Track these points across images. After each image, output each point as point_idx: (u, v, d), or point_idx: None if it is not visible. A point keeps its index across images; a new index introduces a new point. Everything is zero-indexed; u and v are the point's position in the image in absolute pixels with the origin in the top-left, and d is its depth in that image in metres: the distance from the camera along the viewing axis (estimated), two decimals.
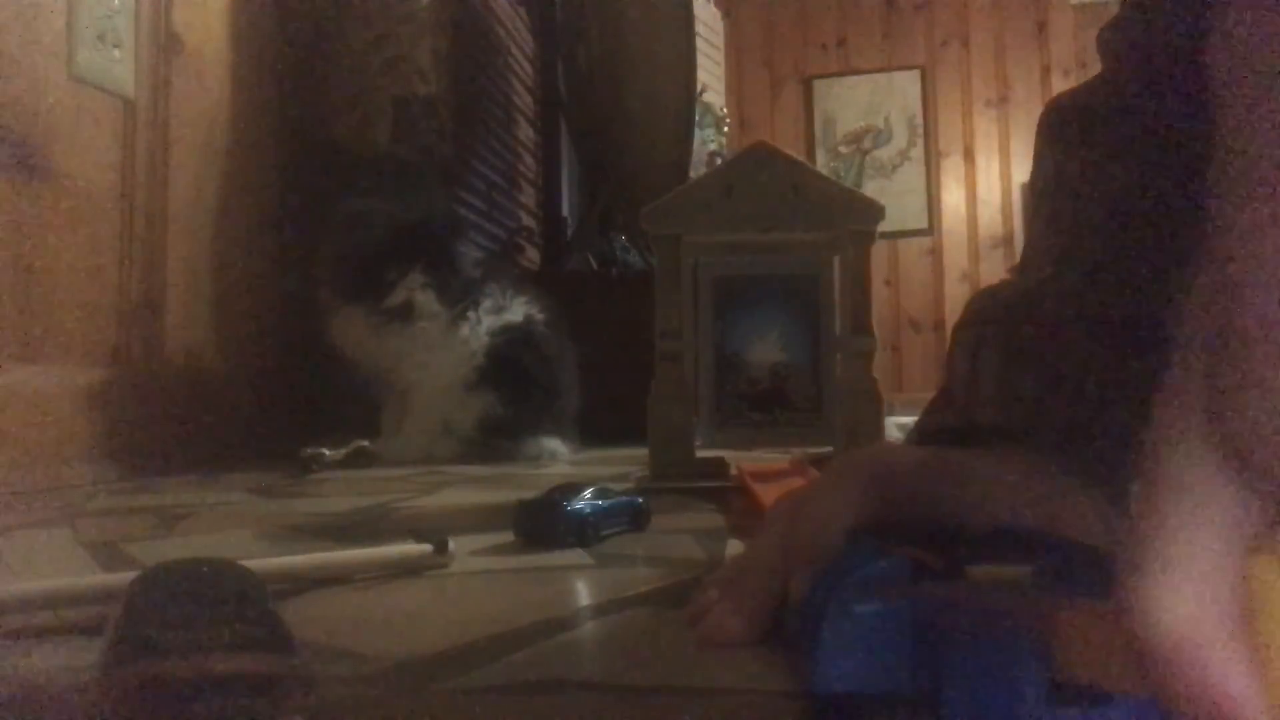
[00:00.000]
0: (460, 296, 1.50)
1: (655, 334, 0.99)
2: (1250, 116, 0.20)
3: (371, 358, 1.48)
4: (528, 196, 2.50)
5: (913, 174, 4.34)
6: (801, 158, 1.09)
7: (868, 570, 0.30)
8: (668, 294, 0.99)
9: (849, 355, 0.98)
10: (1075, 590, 0.28)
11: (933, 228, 4.33)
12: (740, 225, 0.99)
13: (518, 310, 1.55)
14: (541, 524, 0.66)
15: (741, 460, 1.00)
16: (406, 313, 1.46)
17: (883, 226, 1.00)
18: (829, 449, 0.99)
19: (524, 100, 2.52)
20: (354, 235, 1.46)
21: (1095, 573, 0.31)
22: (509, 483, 1.13)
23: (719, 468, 0.97)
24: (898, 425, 1.72)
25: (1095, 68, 0.47)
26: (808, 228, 1.00)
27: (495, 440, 1.47)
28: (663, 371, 0.98)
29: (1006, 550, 0.34)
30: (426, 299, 1.47)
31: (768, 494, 0.76)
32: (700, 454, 0.98)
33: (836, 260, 1.00)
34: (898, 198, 4.20)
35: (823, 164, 4.29)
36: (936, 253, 4.33)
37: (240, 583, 0.37)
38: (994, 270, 4.28)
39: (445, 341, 1.48)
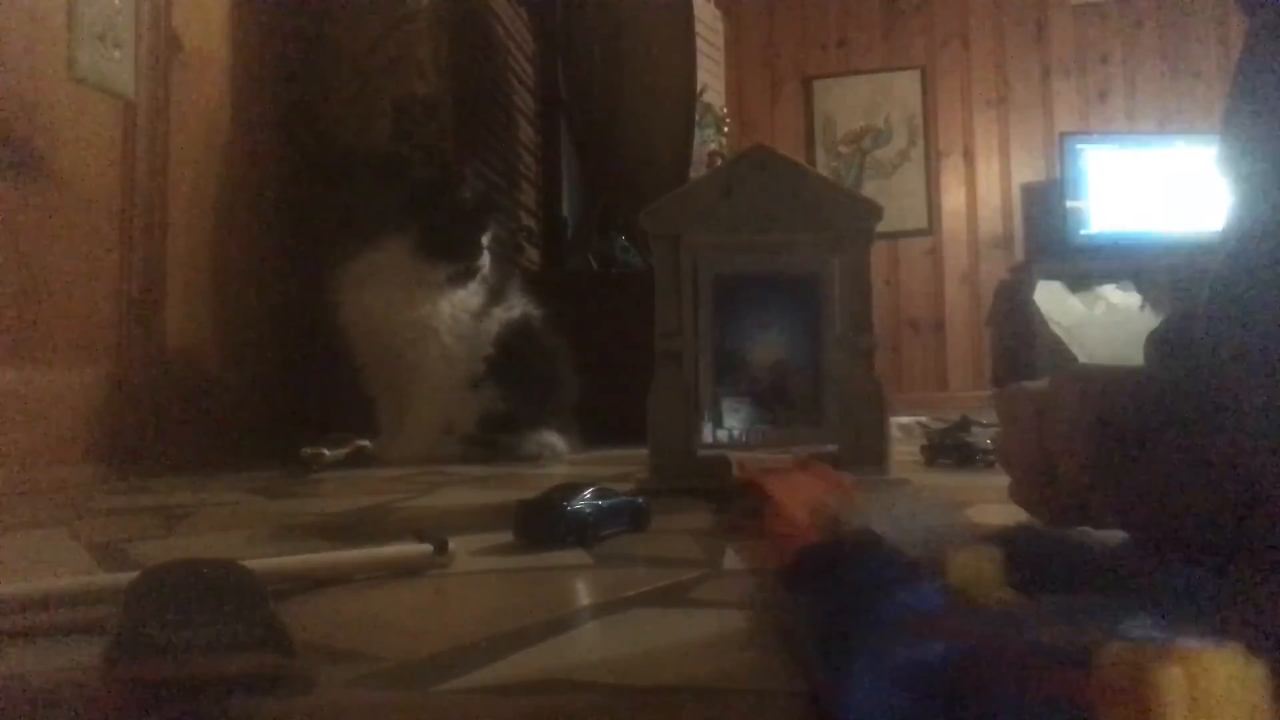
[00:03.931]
0: (498, 282, 1.54)
1: (655, 334, 0.99)
2: None
3: (399, 332, 1.47)
4: (528, 196, 2.50)
5: (913, 174, 4.34)
6: (800, 159, 1.09)
7: (903, 601, 0.27)
8: (667, 294, 1.00)
9: (850, 354, 0.98)
10: (1137, 620, 0.25)
11: (933, 228, 4.33)
12: (740, 226, 1.00)
13: (518, 308, 1.55)
14: (541, 524, 0.66)
15: (744, 460, 0.99)
16: (468, 278, 1.49)
17: (882, 226, 1.01)
18: (831, 447, 0.98)
19: (524, 100, 2.52)
20: (442, 198, 1.48)
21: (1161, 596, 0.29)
22: (509, 483, 1.13)
23: (721, 468, 0.96)
24: (898, 425, 1.73)
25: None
26: (807, 228, 1.00)
27: (496, 436, 1.47)
28: (663, 371, 0.98)
29: (1060, 576, 0.32)
30: (487, 267, 1.51)
31: (779, 491, 0.75)
32: (701, 454, 0.98)
33: (837, 260, 1.00)
34: (898, 198, 4.20)
35: (823, 164, 4.29)
36: (936, 253, 4.33)
37: (240, 583, 0.37)
38: (994, 270, 4.28)
39: (472, 327, 1.49)
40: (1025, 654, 0.23)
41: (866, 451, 0.96)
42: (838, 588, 0.29)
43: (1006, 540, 0.37)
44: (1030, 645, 0.24)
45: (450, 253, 1.47)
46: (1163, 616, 0.25)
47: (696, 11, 2.22)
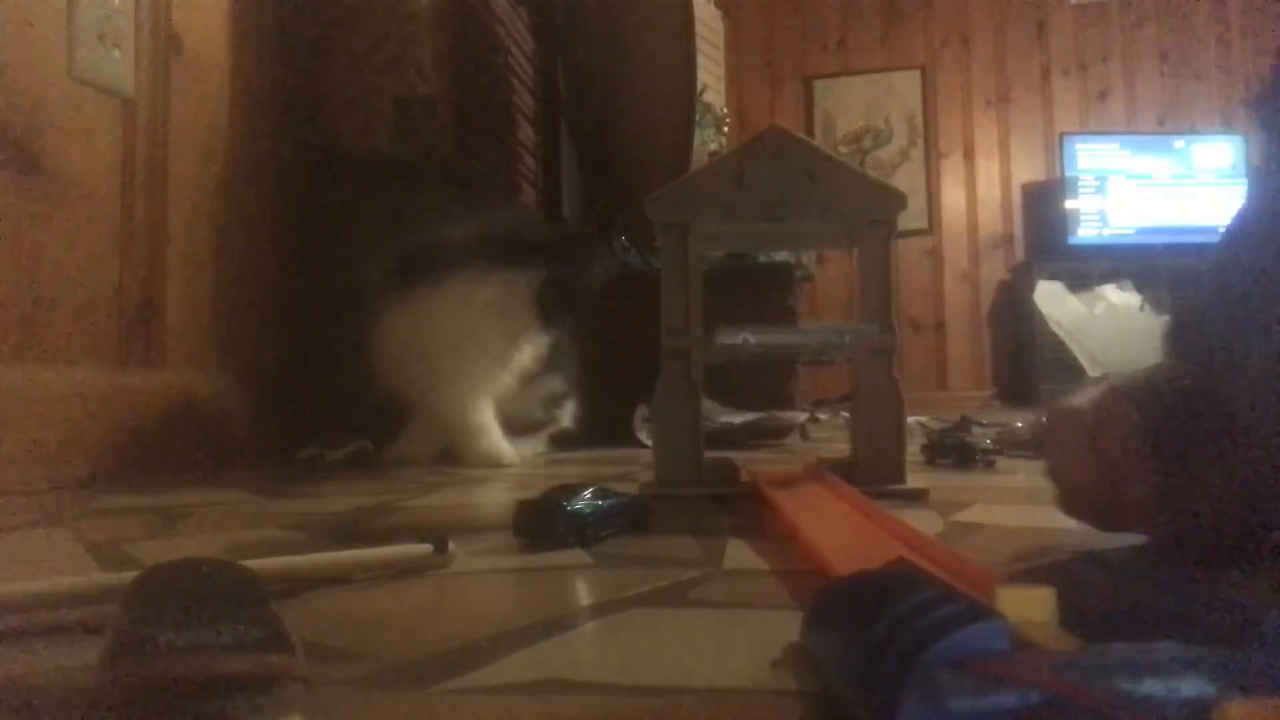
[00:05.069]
0: None
1: (661, 330, 0.93)
2: None
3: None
4: (528, 196, 2.50)
5: (913, 174, 4.34)
6: (818, 143, 1.05)
7: (961, 636, 0.24)
8: (674, 287, 0.93)
9: (870, 352, 0.92)
10: (1241, 672, 0.22)
11: (933, 228, 4.33)
12: (752, 214, 0.93)
13: None
14: (541, 524, 0.66)
15: (754, 467, 0.98)
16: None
17: None
18: (844, 455, 0.96)
19: (524, 100, 2.52)
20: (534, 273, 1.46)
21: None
22: (509, 482, 1.13)
23: (729, 472, 0.93)
24: None
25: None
26: (824, 217, 0.94)
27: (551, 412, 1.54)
28: (669, 370, 0.93)
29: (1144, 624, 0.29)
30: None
31: (785, 501, 0.74)
32: (709, 457, 0.94)
33: (856, 252, 0.95)
34: None
35: None
36: (936, 253, 4.34)
37: (240, 583, 0.37)
38: (994, 270, 4.28)
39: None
40: (1125, 707, 0.20)
41: (882, 459, 0.91)
42: (880, 625, 0.26)
43: (1056, 576, 0.37)
44: (1130, 698, 0.21)
45: (555, 312, 1.47)
46: (1257, 663, 0.22)
47: (696, 11, 2.22)
